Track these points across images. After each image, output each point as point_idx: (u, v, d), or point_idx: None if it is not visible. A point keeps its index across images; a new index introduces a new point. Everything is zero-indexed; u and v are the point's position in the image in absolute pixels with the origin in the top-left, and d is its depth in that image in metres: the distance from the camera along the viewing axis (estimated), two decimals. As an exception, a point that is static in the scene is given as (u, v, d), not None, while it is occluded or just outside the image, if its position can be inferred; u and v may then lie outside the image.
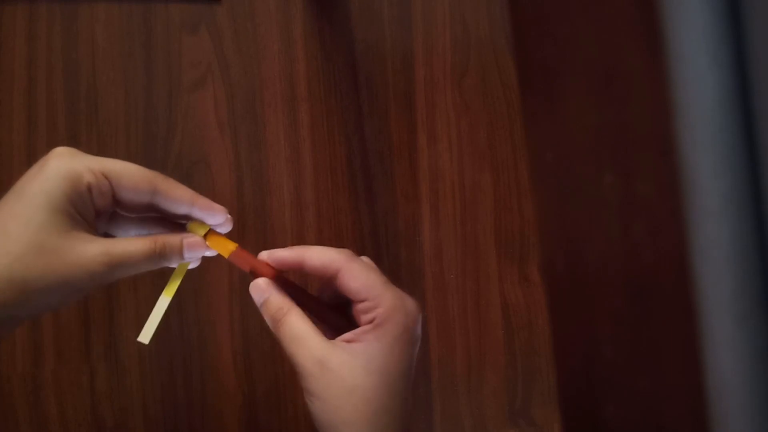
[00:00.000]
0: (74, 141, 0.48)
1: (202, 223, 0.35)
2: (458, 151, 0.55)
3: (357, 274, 0.34)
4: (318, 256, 0.34)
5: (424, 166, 0.54)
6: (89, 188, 0.31)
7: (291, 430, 0.52)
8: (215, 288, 0.50)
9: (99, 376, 0.48)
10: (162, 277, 0.35)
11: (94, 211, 0.32)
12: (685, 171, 0.26)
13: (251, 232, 0.51)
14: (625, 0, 0.33)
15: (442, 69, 0.55)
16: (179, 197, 0.35)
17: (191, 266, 0.36)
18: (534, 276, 0.56)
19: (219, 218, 0.35)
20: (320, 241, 0.52)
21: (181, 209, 0.35)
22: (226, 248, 0.35)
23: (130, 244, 0.32)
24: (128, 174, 0.33)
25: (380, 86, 0.54)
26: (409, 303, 0.34)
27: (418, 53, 0.54)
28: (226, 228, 0.36)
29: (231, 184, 0.51)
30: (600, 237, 0.41)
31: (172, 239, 0.34)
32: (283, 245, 0.51)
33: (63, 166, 0.31)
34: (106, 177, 0.32)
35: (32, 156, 0.47)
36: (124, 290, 0.49)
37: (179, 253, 0.34)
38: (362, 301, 0.34)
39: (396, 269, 0.53)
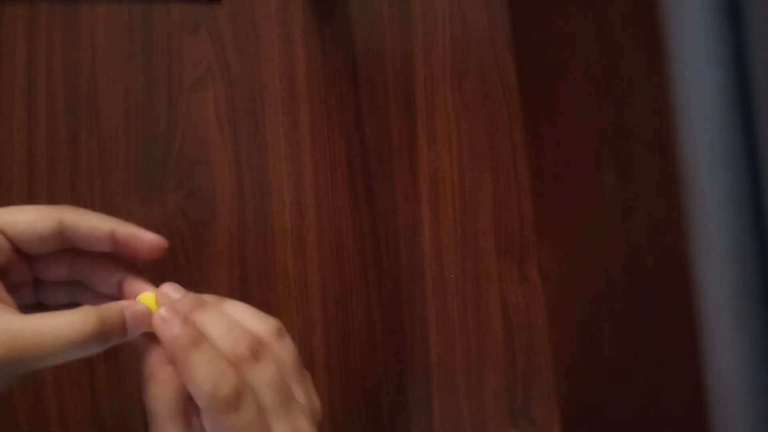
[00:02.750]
0: (74, 141, 0.48)
1: (151, 295, 0.30)
2: (458, 151, 0.55)
3: (195, 374, 0.27)
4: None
5: (424, 166, 0.54)
6: None
7: (291, 430, 0.52)
8: (215, 288, 0.50)
9: (99, 376, 0.48)
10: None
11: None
12: (685, 171, 0.26)
13: (251, 232, 0.51)
14: (625, 0, 0.33)
15: (442, 69, 0.55)
16: (94, 228, 0.29)
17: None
18: (534, 276, 0.56)
19: (150, 249, 0.30)
20: (320, 242, 0.52)
21: (101, 245, 0.29)
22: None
23: (49, 320, 0.25)
24: (22, 219, 0.27)
25: (380, 86, 0.54)
26: None
27: (418, 53, 0.54)
28: (156, 253, 0.30)
29: (231, 184, 0.50)
30: (600, 237, 0.41)
31: (110, 310, 0.27)
32: (283, 245, 0.51)
33: None
34: None
35: (32, 156, 0.47)
36: (124, 290, 0.49)
37: (121, 330, 0.28)
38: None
39: (396, 269, 0.53)
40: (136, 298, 0.30)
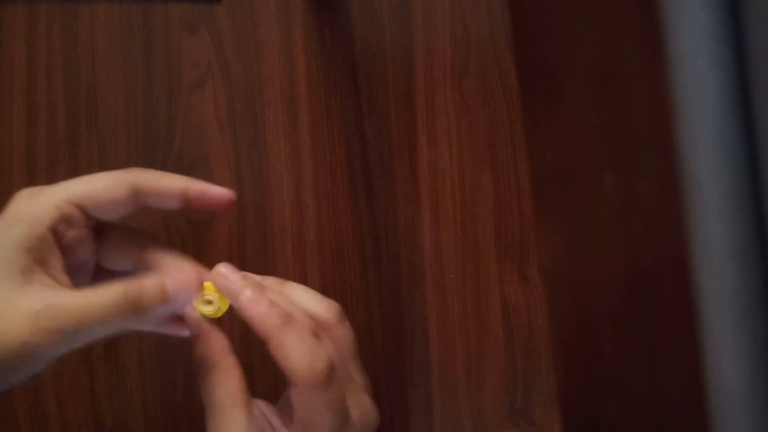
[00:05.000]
0: (74, 141, 0.48)
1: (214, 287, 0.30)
2: (458, 152, 0.55)
3: (292, 350, 0.28)
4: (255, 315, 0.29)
5: (424, 166, 0.54)
6: (52, 229, 0.26)
7: (291, 430, 0.52)
8: (215, 288, 0.50)
9: (99, 377, 0.48)
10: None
11: (60, 257, 0.27)
12: (685, 171, 0.26)
13: (251, 232, 0.51)
14: (625, 0, 0.33)
15: (442, 69, 0.55)
16: (166, 188, 0.29)
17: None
18: (534, 276, 0.56)
19: (220, 204, 0.30)
20: (320, 242, 0.52)
21: (173, 204, 0.30)
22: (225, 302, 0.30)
23: (92, 295, 0.25)
24: (97, 188, 0.28)
25: (380, 86, 0.54)
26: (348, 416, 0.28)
27: (418, 53, 0.54)
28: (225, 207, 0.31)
29: (231, 184, 0.50)
30: (600, 237, 0.41)
31: (150, 281, 0.27)
32: (282, 245, 0.51)
33: (20, 209, 0.26)
34: (74, 204, 0.27)
35: (32, 156, 0.47)
36: (124, 290, 0.49)
37: (162, 299, 0.27)
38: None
39: (396, 269, 0.53)
40: (203, 286, 0.30)
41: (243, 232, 0.51)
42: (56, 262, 0.27)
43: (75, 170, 0.48)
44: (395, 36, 0.54)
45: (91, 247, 0.30)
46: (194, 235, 0.49)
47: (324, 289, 0.52)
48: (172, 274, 0.28)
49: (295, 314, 0.30)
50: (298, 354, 0.27)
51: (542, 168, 0.52)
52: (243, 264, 0.50)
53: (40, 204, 0.26)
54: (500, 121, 0.55)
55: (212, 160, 0.50)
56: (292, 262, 0.51)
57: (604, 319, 0.42)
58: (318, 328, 0.30)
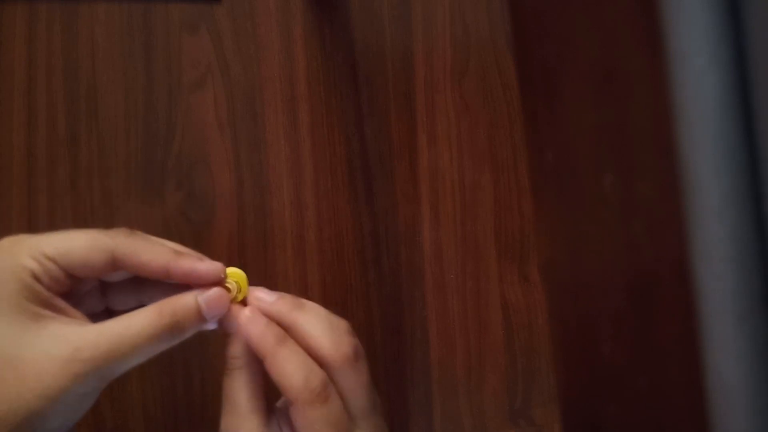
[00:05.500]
0: (74, 141, 0.48)
1: (236, 270, 0.30)
2: (458, 151, 0.55)
3: (286, 368, 0.28)
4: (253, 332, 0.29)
5: (424, 166, 0.54)
6: (35, 277, 0.25)
7: (291, 430, 0.51)
8: (215, 288, 0.50)
9: (99, 376, 0.48)
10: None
11: (60, 299, 0.26)
12: (685, 171, 0.26)
13: (251, 232, 0.51)
14: (625, 0, 0.33)
15: (442, 69, 0.55)
16: (147, 263, 0.28)
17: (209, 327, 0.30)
18: (534, 276, 0.56)
19: (207, 283, 0.29)
20: (320, 242, 0.52)
21: (155, 277, 0.29)
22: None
23: (125, 322, 0.25)
24: (74, 249, 0.27)
25: (380, 86, 0.54)
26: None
27: (418, 53, 0.54)
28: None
29: (231, 184, 0.50)
30: (600, 237, 0.41)
31: (183, 300, 0.28)
32: (282, 245, 0.51)
33: (5, 261, 0.25)
34: (50, 259, 0.26)
35: (32, 156, 0.47)
36: (124, 290, 0.49)
37: (197, 318, 0.28)
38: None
39: (396, 269, 0.53)
40: (223, 275, 0.30)
41: (243, 232, 0.51)
42: (60, 302, 0.26)
43: (75, 170, 0.48)
44: (395, 36, 0.54)
45: (95, 292, 0.29)
46: (194, 235, 0.49)
47: (324, 289, 0.52)
48: (201, 293, 0.28)
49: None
50: (294, 370, 0.28)
51: (542, 168, 0.52)
52: (243, 264, 0.50)
53: (21, 257, 0.25)
54: (500, 121, 0.55)
55: (212, 160, 0.50)
56: (292, 262, 0.51)
57: (604, 319, 0.42)
58: (324, 384, 0.29)
